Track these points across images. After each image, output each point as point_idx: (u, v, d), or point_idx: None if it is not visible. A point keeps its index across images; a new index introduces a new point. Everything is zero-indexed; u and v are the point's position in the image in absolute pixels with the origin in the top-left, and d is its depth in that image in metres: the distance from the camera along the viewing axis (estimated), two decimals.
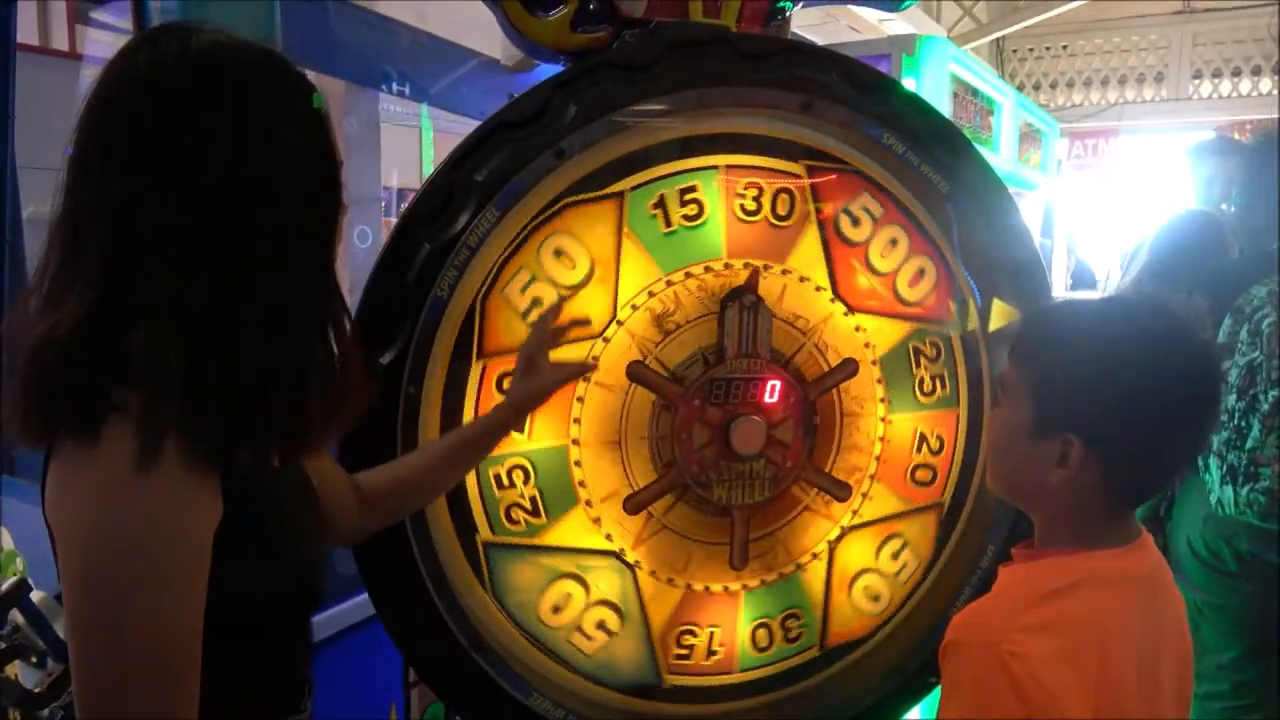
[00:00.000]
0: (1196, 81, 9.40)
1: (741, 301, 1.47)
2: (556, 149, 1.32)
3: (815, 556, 1.60)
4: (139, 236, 0.77)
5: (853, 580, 1.63)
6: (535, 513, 1.44)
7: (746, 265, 1.47)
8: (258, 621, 0.87)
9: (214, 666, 0.79)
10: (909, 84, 2.43)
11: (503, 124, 1.30)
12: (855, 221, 1.54)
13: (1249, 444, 2.03)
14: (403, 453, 1.31)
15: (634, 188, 1.41)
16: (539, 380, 1.30)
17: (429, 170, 1.35)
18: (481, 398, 1.39)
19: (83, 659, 0.75)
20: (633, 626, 1.51)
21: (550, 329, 1.32)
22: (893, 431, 1.61)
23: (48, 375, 0.77)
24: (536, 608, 1.46)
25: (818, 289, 1.53)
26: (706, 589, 1.54)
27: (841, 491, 1.58)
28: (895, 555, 1.65)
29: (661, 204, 1.43)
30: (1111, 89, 9.77)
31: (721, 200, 1.45)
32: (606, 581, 1.49)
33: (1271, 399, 2.01)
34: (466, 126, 1.33)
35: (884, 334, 1.58)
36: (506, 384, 1.36)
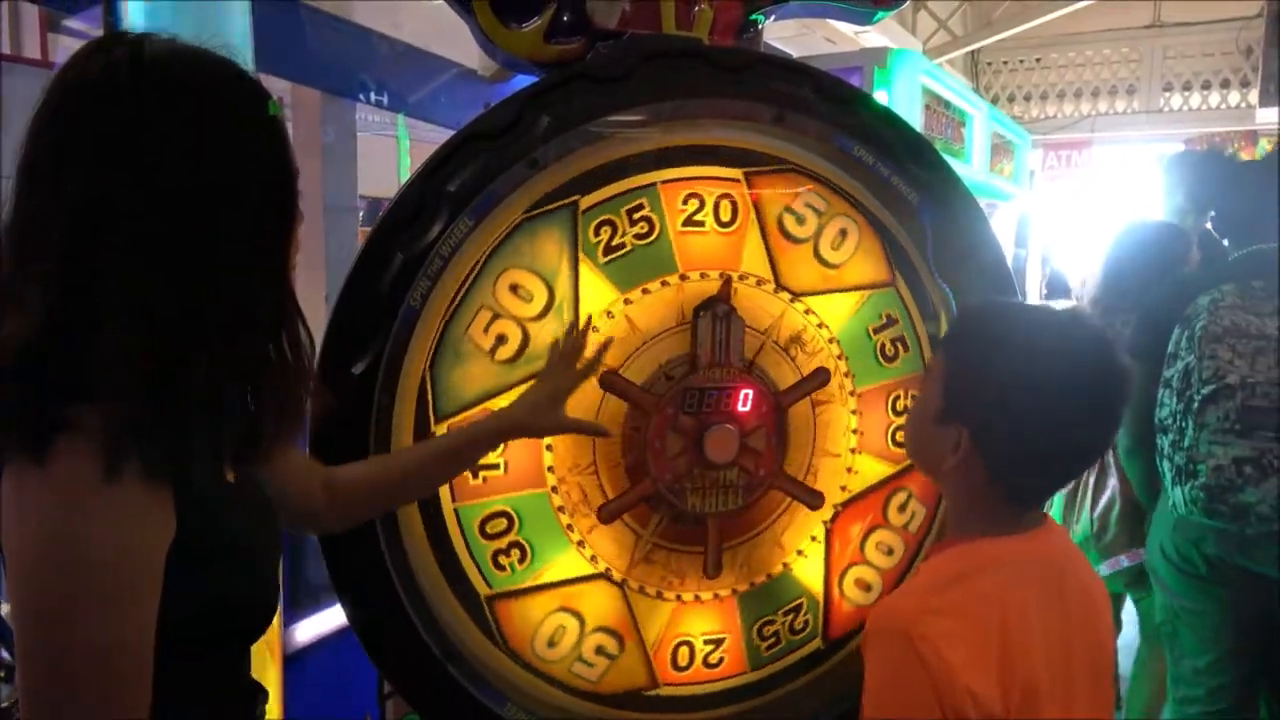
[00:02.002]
0: (1167, 94, 9.56)
1: (714, 311, 1.48)
2: (530, 159, 1.33)
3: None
4: (91, 245, 0.76)
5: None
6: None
7: (721, 275, 1.49)
8: (209, 634, 0.86)
9: (165, 677, 0.78)
10: (881, 96, 2.46)
11: (475, 135, 1.31)
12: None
13: (1186, 443, 2.11)
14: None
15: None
16: (550, 419, 1.28)
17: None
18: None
19: (30, 676, 0.74)
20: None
21: (588, 358, 1.31)
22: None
23: (2, 392, 0.75)
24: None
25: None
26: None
27: (814, 500, 1.59)
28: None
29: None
30: (1084, 101, 9.91)
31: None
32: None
33: (1200, 398, 2.09)
34: (444, 136, 1.34)
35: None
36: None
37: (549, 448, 1.44)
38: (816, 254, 1.57)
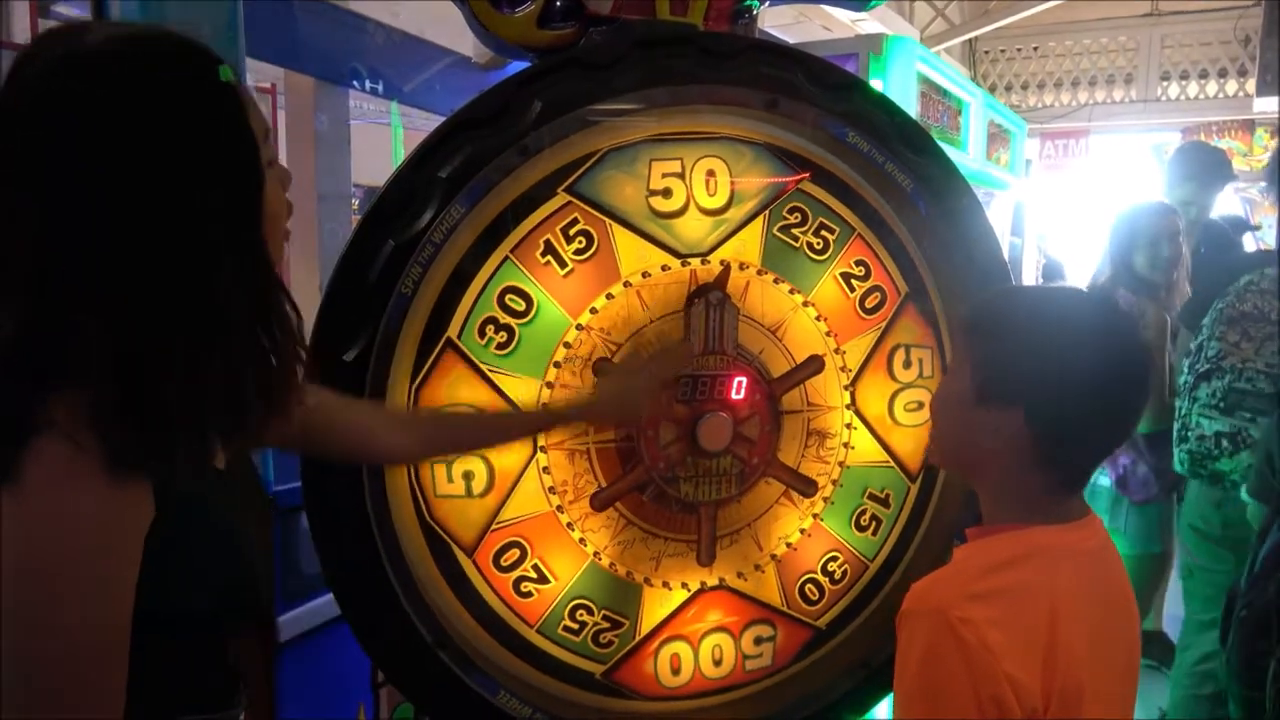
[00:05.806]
0: (1164, 83, 9.55)
1: (708, 298, 1.47)
2: (520, 146, 1.32)
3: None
4: (59, 251, 0.76)
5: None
6: None
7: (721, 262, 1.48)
8: (190, 619, 0.86)
9: (146, 660, 0.79)
10: (876, 83, 2.44)
11: (465, 121, 1.30)
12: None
13: (1184, 410, 2.42)
14: None
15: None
16: (629, 413, 1.40)
17: None
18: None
19: (10, 662, 0.74)
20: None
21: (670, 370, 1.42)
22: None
23: None
24: None
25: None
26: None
27: (808, 488, 1.59)
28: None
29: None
30: (1082, 90, 9.89)
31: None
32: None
33: (1197, 373, 2.38)
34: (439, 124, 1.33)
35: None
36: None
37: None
38: (891, 404, 1.63)
